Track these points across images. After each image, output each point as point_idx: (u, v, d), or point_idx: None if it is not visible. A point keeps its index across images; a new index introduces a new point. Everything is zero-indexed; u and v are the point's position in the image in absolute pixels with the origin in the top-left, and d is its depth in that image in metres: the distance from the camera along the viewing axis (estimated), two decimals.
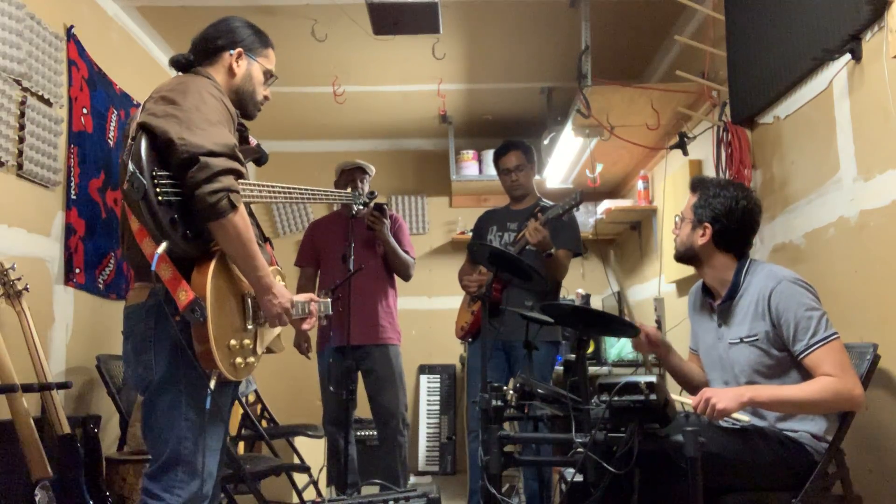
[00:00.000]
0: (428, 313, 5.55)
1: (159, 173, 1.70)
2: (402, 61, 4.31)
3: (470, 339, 3.51)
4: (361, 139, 5.72)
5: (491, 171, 5.20)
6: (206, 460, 1.85)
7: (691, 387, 2.34)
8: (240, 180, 1.81)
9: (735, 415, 1.98)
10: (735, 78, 3.01)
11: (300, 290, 3.87)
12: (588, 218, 5.08)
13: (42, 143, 2.87)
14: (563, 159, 4.47)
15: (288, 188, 2.13)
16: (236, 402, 3.82)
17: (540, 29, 3.89)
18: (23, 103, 2.78)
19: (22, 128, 2.77)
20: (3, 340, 2.42)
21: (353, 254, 3.41)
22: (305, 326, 2.18)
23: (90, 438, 2.67)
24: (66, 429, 2.53)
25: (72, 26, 3.14)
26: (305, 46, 3.96)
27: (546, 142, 4.60)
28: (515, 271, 2.87)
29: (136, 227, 1.80)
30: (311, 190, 2.25)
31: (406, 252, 3.75)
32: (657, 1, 3.54)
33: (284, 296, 1.93)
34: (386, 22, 3.36)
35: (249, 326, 1.93)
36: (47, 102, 2.93)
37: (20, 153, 2.76)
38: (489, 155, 5.27)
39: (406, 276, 3.80)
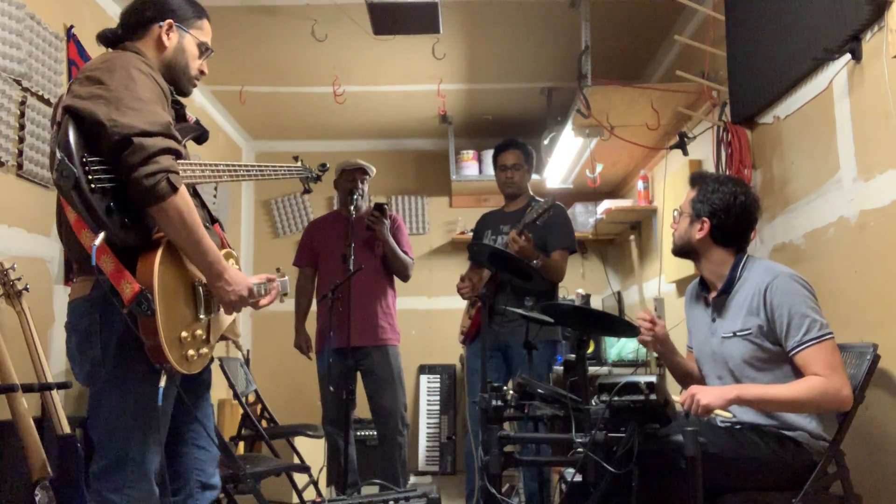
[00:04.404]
0: (428, 313, 5.55)
1: (90, 159, 1.59)
2: (402, 61, 4.31)
3: (469, 342, 3.52)
4: (361, 139, 5.72)
5: (491, 171, 5.20)
6: (152, 457, 1.79)
7: (692, 384, 2.34)
8: (179, 160, 1.70)
9: (719, 412, 1.98)
10: (735, 78, 3.01)
11: (299, 290, 3.87)
12: (588, 218, 5.09)
13: (42, 143, 2.86)
14: (563, 159, 4.47)
15: (233, 166, 2.00)
16: (235, 402, 3.83)
17: (540, 29, 3.90)
18: (23, 103, 2.78)
19: (22, 128, 2.77)
20: (3, 340, 2.42)
21: (353, 254, 3.41)
22: (263, 303, 2.03)
23: (90, 438, 2.67)
24: (66, 429, 2.52)
25: (72, 26, 3.14)
26: (305, 46, 3.96)
27: (546, 142, 4.60)
28: (515, 271, 2.87)
29: (74, 219, 1.71)
30: (259, 166, 2.13)
31: (405, 252, 3.75)
32: (657, 1, 3.54)
33: (240, 282, 1.83)
34: (386, 22, 3.36)
35: (202, 316, 1.84)
36: (47, 102, 2.93)
37: (20, 153, 2.76)
38: (489, 155, 5.25)
39: (405, 277, 3.80)
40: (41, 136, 2.86)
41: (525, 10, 3.71)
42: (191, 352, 1.78)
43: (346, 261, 3.37)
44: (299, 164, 2.42)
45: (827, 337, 1.96)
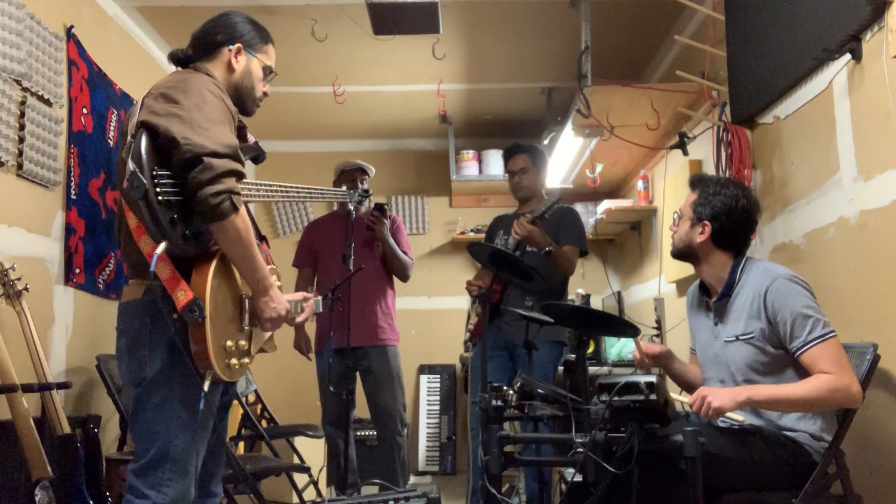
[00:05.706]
0: (428, 313, 5.55)
1: (160, 172, 1.69)
2: (402, 61, 4.31)
3: (475, 342, 3.52)
4: (361, 139, 5.72)
5: (491, 171, 5.25)
6: (193, 458, 1.85)
7: (695, 390, 2.34)
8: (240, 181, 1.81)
9: (730, 414, 1.98)
10: (735, 78, 3.01)
11: (297, 290, 3.86)
12: (588, 218, 5.09)
13: (42, 143, 2.86)
14: (563, 159, 4.47)
15: (285, 187, 2.13)
16: (235, 401, 3.83)
17: (540, 29, 3.89)
18: (23, 103, 2.78)
19: (22, 128, 2.77)
20: (3, 340, 2.42)
21: (353, 254, 3.40)
22: (298, 320, 2.14)
23: (90, 438, 2.67)
24: (66, 429, 2.53)
25: (72, 26, 3.14)
26: (305, 46, 3.96)
27: (546, 142, 4.60)
28: (515, 271, 2.87)
29: (134, 225, 1.80)
30: (307, 188, 2.28)
31: (404, 253, 3.76)
32: (657, 1, 3.54)
33: (281, 301, 1.93)
34: (386, 22, 3.36)
35: (246, 327, 1.93)
36: (47, 102, 2.93)
37: (20, 153, 2.75)
38: (489, 155, 5.29)
39: (404, 277, 3.80)
40: (41, 136, 2.86)
41: (525, 10, 3.71)
42: (233, 361, 1.86)
43: (345, 261, 3.37)
44: (343, 188, 2.66)
45: (831, 335, 1.96)
